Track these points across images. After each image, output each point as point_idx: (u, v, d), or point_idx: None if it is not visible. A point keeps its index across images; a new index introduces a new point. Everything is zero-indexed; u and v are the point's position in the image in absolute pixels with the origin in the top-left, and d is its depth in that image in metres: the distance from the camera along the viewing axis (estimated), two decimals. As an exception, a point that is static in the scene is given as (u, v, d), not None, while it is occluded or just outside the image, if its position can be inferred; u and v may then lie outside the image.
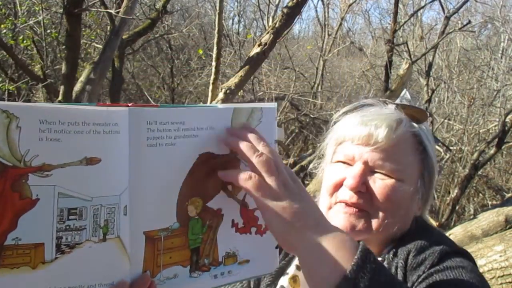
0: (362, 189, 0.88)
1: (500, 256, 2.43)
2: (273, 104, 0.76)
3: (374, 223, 0.88)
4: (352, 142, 0.91)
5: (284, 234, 0.64)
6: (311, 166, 1.08)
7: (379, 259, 0.88)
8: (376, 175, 0.89)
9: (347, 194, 0.90)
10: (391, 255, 0.88)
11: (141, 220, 0.65)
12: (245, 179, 0.65)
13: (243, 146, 0.67)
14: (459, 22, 8.30)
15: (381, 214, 0.88)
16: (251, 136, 0.69)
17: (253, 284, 1.01)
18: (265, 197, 0.64)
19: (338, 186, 0.92)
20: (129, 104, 0.63)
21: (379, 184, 0.88)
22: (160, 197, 0.66)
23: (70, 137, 0.57)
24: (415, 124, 0.94)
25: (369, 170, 0.89)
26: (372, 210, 0.88)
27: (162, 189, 0.66)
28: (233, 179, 0.67)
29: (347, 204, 0.90)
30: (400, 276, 0.83)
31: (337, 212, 0.91)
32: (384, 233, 0.89)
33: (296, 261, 1.00)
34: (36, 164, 0.55)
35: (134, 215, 0.64)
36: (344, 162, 0.93)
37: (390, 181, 0.88)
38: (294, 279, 0.97)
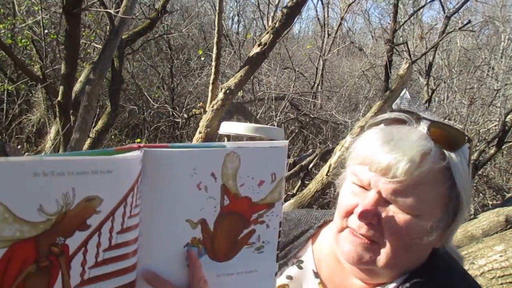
0: (373, 220, 0.82)
1: (501, 256, 2.42)
2: (283, 142, 0.77)
3: (384, 257, 0.82)
4: (369, 169, 0.83)
5: None
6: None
7: (394, 284, 0.86)
8: (391, 207, 0.81)
9: (356, 223, 0.84)
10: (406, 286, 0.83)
11: None
12: None
13: None
14: (460, 21, 8.30)
15: (391, 249, 0.81)
16: None
17: None
18: None
19: (349, 213, 0.86)
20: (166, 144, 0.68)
21: (392, 219, 0.81)
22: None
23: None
24: (446, 153, 0.82)
25: (383, 200, 0.82)
26: (382, 242, 0.82)
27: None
28: None
29: (355, 234, 0.84)
30: None
31: (345, 238, 0.86)
32: (395, 267, 0.84)
33: (287, 271, 0.97)
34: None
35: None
36: (359, 186, 0.86)
37: (404, 217, 0.80)
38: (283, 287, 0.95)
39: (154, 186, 0.67)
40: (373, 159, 0.82)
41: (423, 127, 0.85)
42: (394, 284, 0.86)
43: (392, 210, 0.81)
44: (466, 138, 0.84)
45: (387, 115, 0.90)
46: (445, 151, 0.82)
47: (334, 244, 0.90)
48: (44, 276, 0.57)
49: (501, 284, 2.33)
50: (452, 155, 0.82)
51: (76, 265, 0.60)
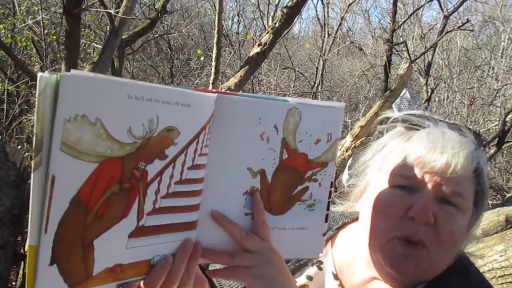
0: (431, 220, 0.79)
1: (501, 256, 2.42)
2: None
3: (429, 260, 0.80)
4: (421, 168, 0.81)
5: None
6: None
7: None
8: (443, 205, 0.80)
9: (412, 227, 0.79)
10: None
11: None
12: None
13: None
14: (459, 21, 8.29)
15: (439, 250, 0.80)
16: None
17: None
18: None
19: (399, 217, 0.81)
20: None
21: (446, 216, 0.79)
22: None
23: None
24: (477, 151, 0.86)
25: (436, 199, 0.80)
26: (432, 245, 0.79)
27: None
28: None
29: (409, 242, 0.80)
30: None
31: (395, 252, 0.81)
32: (431, 272, 0.82)
33: (307, 271, 0.97)
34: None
35: None
36: (403, 187, 0.82)
37: (456, 214, 0.80)
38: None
39: (222, 130, 0.69)
40: (427, 158, 0.81)
41: (443, 128, 0.87)
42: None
43: (445, 209, 0.81)
44: (483, 137, 0.88)
45: (413, 113, 0.90)
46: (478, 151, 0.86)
47: (377, 255, 0.85)
48: (124, 198, 0.60)
49: (501, 284, 2.33)
50: (481, 153, 0.86)
51: (151, 192, 0.63)
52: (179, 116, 0.63)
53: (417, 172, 0.81)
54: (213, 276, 0.80)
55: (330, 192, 0.81)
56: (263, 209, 0.75)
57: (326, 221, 0.82)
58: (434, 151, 0.81)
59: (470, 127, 0.89)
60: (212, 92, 0.68)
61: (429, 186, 0.80)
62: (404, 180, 0.83)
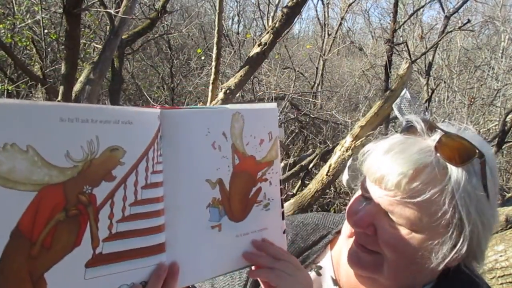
0: (369, 231, 0.81)
1: (501, 256, 2.42)
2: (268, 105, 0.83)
3: (386, 268, 0.81)
4: (368, 178, 0.83)
5: None
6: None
7: None
8: (388, 219, 0.79)
9: (358, 232, 0.85)
10: None
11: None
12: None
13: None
14: (460, 21, 8.30)
15: (392, 261, 0.80)
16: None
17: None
18: None
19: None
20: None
21: (388, 231, 0.79)
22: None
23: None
24: (450, 169, 0.76)
25: (383, 212, 0.80)
26: (384, 253, 0.81)
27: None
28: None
29: (358, 243, 0.85)
30: None
31: (352, 246, 0.87)
32: (398, 281, 0.82)
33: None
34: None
35: None
36: (364, 195, 0.85)
37: (400, 231, 0.78)
38: None
39: (174, 145, 0.69)
40: (371, 169, 0.81)
41: (433, 138, 0.80)
42: None
43: (388, 223, 0.79)
44: (477, 152, 0.76)
45: (404, 122, 0.87)
46: (449, 167, 0.76)
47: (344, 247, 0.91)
48: (73, 225, 0.58)
49: (501, 284, 2.33)
50: (457, 171, 0.76)
51: (104, 217, 0.60)
52: (122, 134, 0.61)
53: (369, 183, 0.83)
54: (256, 276, 0.84)
55: (281, 189, 0.85)
56: (273, 245, 0.81)
57: (283, 218, 0.85)
58: (377, 162, 0.81)
59: (474, 143, 0.78)
60: (155, 108, 0.67)
61: (374, 197, 0.81)
62: (362, 188, 0.86)
